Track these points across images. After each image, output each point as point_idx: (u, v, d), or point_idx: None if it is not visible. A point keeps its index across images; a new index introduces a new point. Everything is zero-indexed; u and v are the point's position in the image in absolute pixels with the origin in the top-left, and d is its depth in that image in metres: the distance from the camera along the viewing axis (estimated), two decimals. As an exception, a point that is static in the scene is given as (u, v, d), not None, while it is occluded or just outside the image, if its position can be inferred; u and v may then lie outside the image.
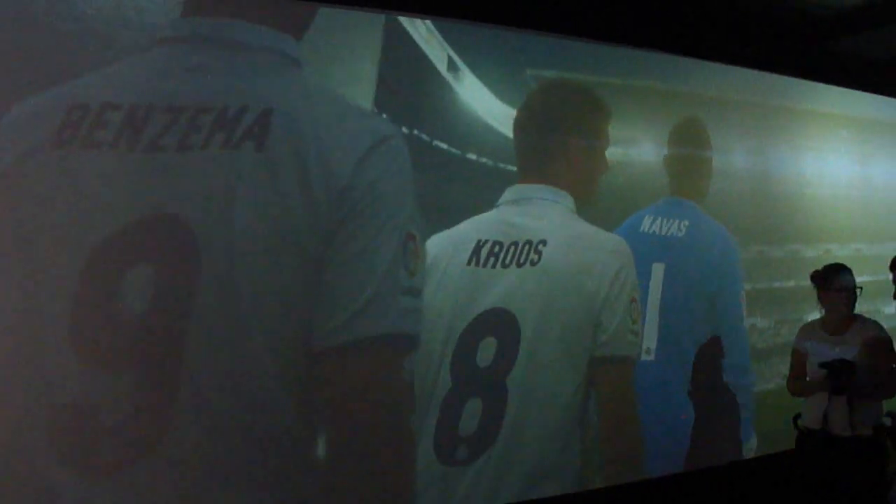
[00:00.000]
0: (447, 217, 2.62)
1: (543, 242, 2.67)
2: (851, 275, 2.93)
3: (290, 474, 1.85)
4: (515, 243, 2.66)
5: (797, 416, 3.04)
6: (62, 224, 1.81)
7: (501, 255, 2.64)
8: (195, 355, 1.81)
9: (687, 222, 3.38)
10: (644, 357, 3.19)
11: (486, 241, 2.63)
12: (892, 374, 2.84)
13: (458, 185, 2.73)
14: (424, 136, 2.68)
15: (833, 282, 2.91)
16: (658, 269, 3.31)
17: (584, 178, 2.81)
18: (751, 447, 3.50)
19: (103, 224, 1.84)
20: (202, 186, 1.82)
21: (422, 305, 1.93)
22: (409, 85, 2.69)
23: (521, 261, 2.65)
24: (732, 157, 3.67)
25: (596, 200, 2.83)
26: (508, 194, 2.71)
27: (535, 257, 2.66)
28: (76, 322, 1.81)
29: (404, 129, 2.59)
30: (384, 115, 2.54)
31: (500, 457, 2.56)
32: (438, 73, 2.75)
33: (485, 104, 2.81)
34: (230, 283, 1.78)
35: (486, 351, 2.59)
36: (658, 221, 3.34)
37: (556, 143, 2.82)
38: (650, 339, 3.26)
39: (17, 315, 1.80)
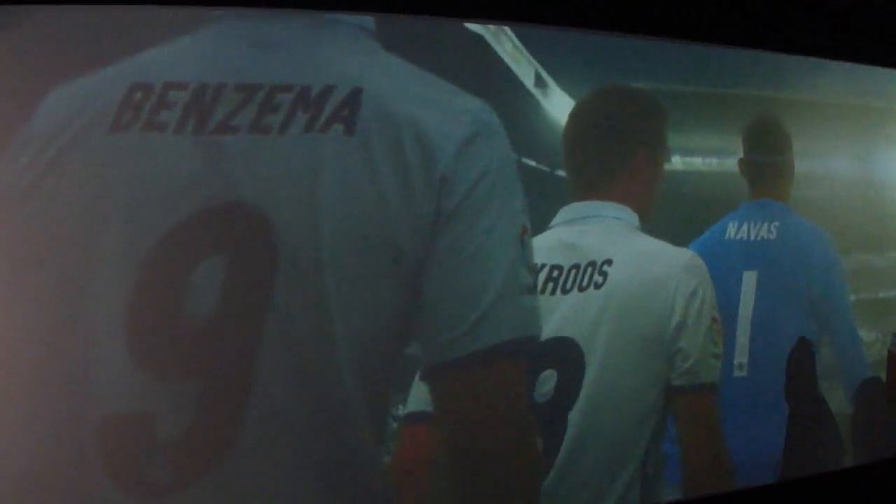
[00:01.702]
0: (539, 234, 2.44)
1: (608, 262, 2.44)
2: None
3: (369, 498, 1.67)
4: (577, 266, 2.43)
5: None
6: (120, 214, 1.62)
7: (561, 280, 2.42)
8: (269, 364, 1.60)
9: (777, 223, 3.14)
10: (736, 373, 3.00)
11: (544, 266, 2.41)
12: None
13: (548, 202, 2.59)
14: (512, 154, 2.59)
15: None
16: (749, 278, 3.11)
17: (646, 190, 2.56)
18: None
19: (167, 214, 1.63)
20: (280, 172, 1.61)
21: (539, 303, 1.75)
22: (495, 102, 2.62)
23: (584, 284, 2.42)
24: (830, 161, 3.48)
25: (654, 215, 2.58)
26: (564, 214, 2.50)
27: (600, 279, 2.43)
28: (134, 323, 1.60)
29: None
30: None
31: (553, 492, 2.33)
32: (525, 89, 2.63)
33: (574, 119, 2.69)
34: (313, 282, 1.58)
35: (546, 385, 2.37)
36: (745, 226, 3.14)
37: (617, 154, 2.56)
38: (742, 354, 3.10)
39: (67, 315, 1.62)
